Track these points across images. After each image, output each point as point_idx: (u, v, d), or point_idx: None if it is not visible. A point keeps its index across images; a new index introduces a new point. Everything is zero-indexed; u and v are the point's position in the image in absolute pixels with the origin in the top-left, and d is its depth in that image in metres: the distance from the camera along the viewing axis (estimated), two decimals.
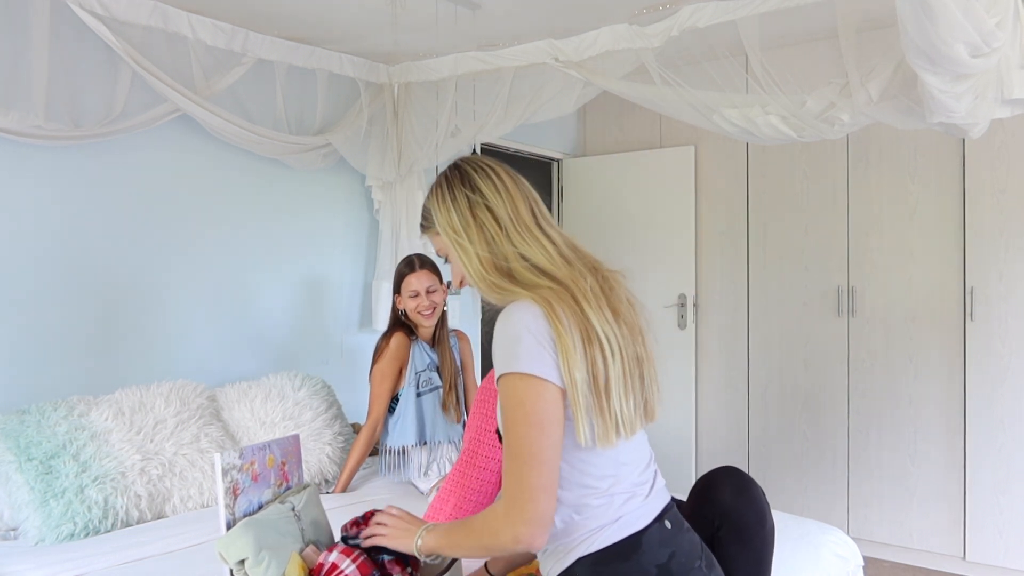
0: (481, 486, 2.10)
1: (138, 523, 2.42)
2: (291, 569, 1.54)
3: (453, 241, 1.46)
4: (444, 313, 2.96)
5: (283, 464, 1.76)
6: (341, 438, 3.03)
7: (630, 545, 1.36)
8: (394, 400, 2.85)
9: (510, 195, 1.46)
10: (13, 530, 2.32)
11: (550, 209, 4.12)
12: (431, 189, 1.52)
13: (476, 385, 3.08)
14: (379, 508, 1.61)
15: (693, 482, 1.78)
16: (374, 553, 1.54)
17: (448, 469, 2.79)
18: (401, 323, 2.88)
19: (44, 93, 2.58)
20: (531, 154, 4.74)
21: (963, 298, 3.59)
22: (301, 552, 1.59)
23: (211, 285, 3.24)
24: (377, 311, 3.81)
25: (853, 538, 2.66)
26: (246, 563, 1.54)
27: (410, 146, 3.81)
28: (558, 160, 4.95)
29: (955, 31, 1.95)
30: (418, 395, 2.84)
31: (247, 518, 1.60)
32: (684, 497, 1.79)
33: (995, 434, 3.50)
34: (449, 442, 2.88)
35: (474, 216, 1.44)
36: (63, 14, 2.63)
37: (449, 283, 2.88)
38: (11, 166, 2.63)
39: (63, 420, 2.42)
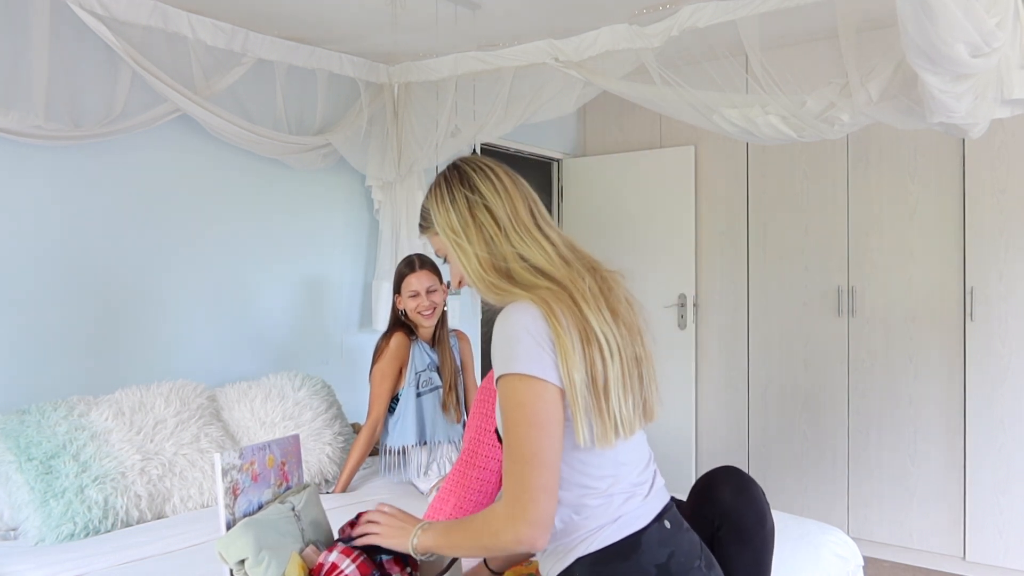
0: (481, 486, 2.10)
1: (138, 523, 2.42)
2: (291, 569, 1.54)
3: (452, 241, 1.46)
4: (444, 313, 2.96)
5: (283, 464, 1.76)
6: (341, 438, 3.03)
7: (629, 545, 1.36)
8: (394, 400, 2.85)
9: (509, 195, 1.45)
10: (13, 530, 2.32)
11: (550, 209, 4.12)
12: (430, 189, 1.52)
13: (476, 385, 3.08)
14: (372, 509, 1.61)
15: (693, 482, 1.78)
16: (373, 553, 1.54)
17: (448, 469, 2.79)
18: (401, 323, 2.89)
19: (44, 93, 2.58)
20: (531, 154, 4.74)
21: (963, 298, 3.59)
22: (301, 552, 1.59)
23: (211, 285, 3.24)
24: (377, 311, 3.82)
25: (853, 538, 2.66)
26: (246, 563, 1.54)
27: (410, 146, 3.81)
28: (558, 160, 4.95)
29: (955, 31, 1.95)
30: (418, 395, 2.84)
31: (247, 518, 1.59)
32: (684, 497, 1.79)
33: (995, 434, 3.50)
34: (449, 442, 2.88)
35: (473, 216, 1.44)
36: (63, 14, 2.63)
37: (449, 283, 2.88)
38: (11, 166, 2.63)
39: (63, 420, 2.42)
